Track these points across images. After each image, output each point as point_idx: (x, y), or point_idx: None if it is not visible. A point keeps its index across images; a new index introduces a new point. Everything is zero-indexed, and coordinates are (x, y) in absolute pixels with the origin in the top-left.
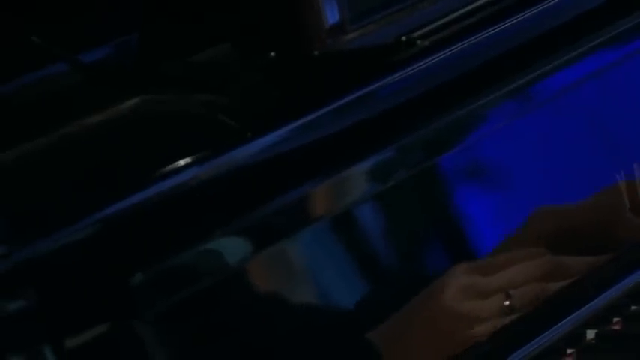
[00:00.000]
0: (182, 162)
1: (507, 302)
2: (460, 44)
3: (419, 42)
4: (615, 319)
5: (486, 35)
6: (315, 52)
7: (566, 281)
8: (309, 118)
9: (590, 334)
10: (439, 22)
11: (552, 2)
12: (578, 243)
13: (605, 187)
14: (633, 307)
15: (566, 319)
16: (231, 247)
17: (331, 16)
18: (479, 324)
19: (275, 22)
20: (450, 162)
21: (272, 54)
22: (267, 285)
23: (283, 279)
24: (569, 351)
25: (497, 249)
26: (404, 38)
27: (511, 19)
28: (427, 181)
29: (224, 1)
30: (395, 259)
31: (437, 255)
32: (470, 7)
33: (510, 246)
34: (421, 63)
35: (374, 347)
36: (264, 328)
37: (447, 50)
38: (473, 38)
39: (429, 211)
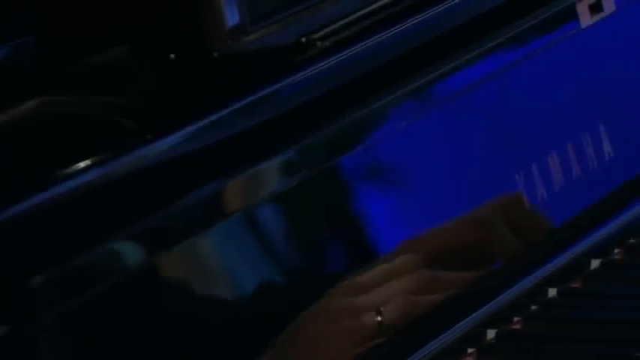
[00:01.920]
0: (82, 164)
1: (379, 319)
2: (360, 45)
3: (319, 43)
4: (516, 319)
5: (387, 36)
6: (215, 54)
7: (441, 295)
8: (210, 119)
9: (491, 333)
10: (340, 23)
11: (452, 3)
12: (452, 257)
13: (505, 190)
14: (533, 307)
15: (466, 319)
16: (131, 249)
17: (231, 17)
18: (355, 344)
19: (175, 23)
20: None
21: (172, 55)
22: (169, 286)
23: (183, 279)
24: (469, 350)
25: (371, 264)
26: (304, 39)
27: (411, 19)
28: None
29: (124, 2)
30: (284, 270)
31: (319, 270)
32: (370, 8)
33: (384, 261)
34: (321, 64)
35: None
36: (165, 329)
37: (348, 51)
38: (373, 39)
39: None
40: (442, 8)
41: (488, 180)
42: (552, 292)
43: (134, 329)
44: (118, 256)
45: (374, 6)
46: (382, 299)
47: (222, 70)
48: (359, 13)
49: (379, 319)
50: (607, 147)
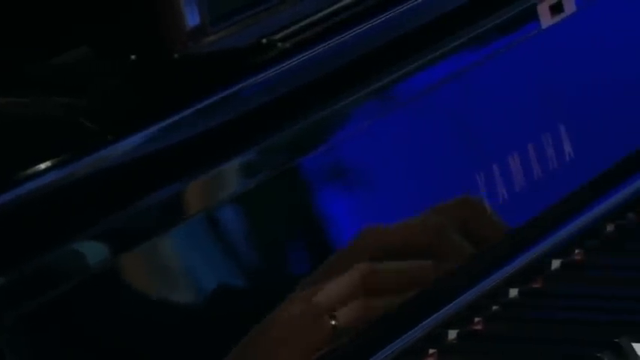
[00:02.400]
0: (42, 165)
1: (333, 322)
2: (321, 46)
3: (279, 44)
4: (477, 319)
5: (348, 36)
6: (176, 55)
7: (399, 297)
8: (171, 120)
9: (452, 334)
10: (300, 24)
11: (413, 3)
12: (412, 259)
13: (466, 190)
14: (494, 308)
15: (428, 320)
16: (92, 250)
17: (191, 18)
18: (310, 348)
19: (135, 24)
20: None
21: (133, 56)
22: (130, 287)
23: (145, 281)
24: (431, 351)
25: (329, 267)
26: (264, 40)
27: (372, 20)
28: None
29: (85, 3)
30: (243, 272)
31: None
32: (331, 9)
33: (341, 263)
34: (282, 65)
35: None
36: (127, 330)
37: (308, 52)
38: (334, 40)
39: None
40: (402, 9)
41: (450, 180)
42: (513, 292)
43: (96, 330)
44: (80, 258)
45: (335, 7)
46: (337, 303)
47: (183, 71)
48: (320, 14)
49: (333, 322)
50: (567, 147)
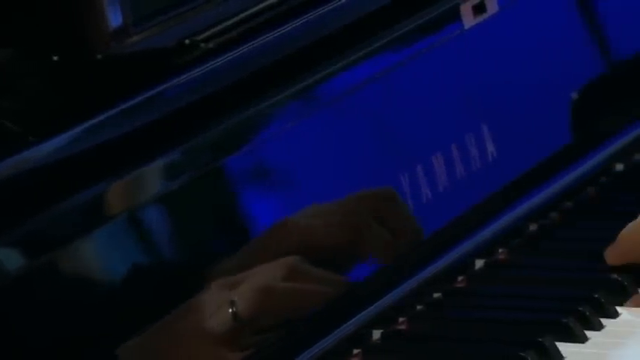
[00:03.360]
0: None
1: (231, 310)
2: (244, 46)
3: (202, 44)
4: (401, 319)
5: (271, 37)
6: (99, 55)
7: (322, 296)
8: (93, 121)
9: (376, 334)
10: (223, 25)
11: (335, 4)
12: (335, 258)
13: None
14: (418, 307)
15: (352, 320)
16: (11, 253)
17: (114, 18)
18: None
19: (58, 24)
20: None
21: (55, 57)
22: (52, 290)
23: (64, 283)
24: (355, 351)
25: (248, 266)
26: (187, 41)
27: (295, 21)
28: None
29: (6, 3)
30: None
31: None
32: (254, 10)
33: (261, 262)
34: (205, 65)
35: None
36: (43, 331)
37: (231, 52)
38: (257, 40)
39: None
40: (325, 10)
41: (373, 181)
42: (437, 292)
43: (15, 335)
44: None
45: (258, 7)
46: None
47: (106, 71)
48: (243, 15)
49: (231, 310)
50: (490, 147)
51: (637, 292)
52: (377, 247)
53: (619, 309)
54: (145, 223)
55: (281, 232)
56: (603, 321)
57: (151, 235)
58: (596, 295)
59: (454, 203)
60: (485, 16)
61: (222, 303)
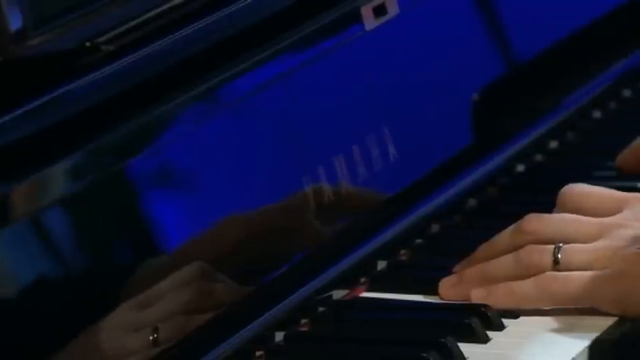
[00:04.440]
0: None
1: (154, 336)
2: (146, 48)
3: (103, 47)
4: (304, 321)
5: (173, 39)
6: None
7: (213, 311)
8: None
9: (279, 336)
10: (125, 27)
11: (237, 6)
12: (235, 264)
13: (292, 192)
14: (321, 309)
15: (255, 322)
16: None
17: (14, 21)
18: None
19: None
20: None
21: None
22: None
23: None
24: (258, 353)
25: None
26: (88, 43)
27: (198, 22)
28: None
29: None
30: (68, 279)
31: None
32: (157, 11)
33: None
34: (106, 68)
35: None
36: None
37: (133, 54)
38: (159, 42)
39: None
40: (227, 12)
41: (276, 183)
42: (339, 293)
43: None
44: None
45: (160, 9)
46: (159, 316)
47: (6, 74)
48: (146, 16)
49: (154, 337)
50: (392, 149)
51: None
52: (287, 248)
53: None
54: (48, 227)
55: (227, 223)
56: (505, 321)
57: (54, 239)
58: None
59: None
60: (386, 17)
61: (142, 326)
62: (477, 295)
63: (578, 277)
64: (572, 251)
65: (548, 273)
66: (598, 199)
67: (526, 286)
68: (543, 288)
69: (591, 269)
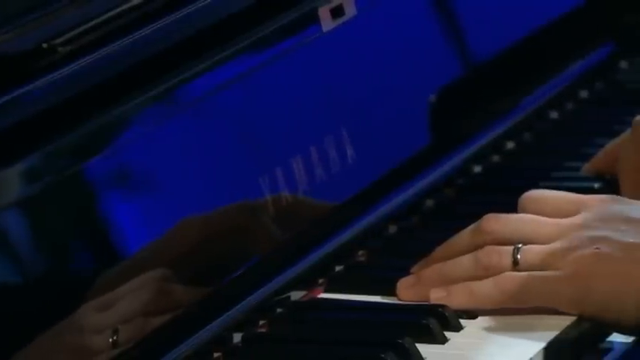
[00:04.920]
0: None
1: (113, 338)
2: (104, 49)
3: (61, 48)
4: (261, 322)
5: (131, 40)
6: None
7: (172, 313)
8: None
9: (237, 337)
10: (82, 28)
11: (196, 6)
12: (193, 267)
13: (250, 193)
14: (279, 310)
15: (212, 323)
16: None
17: None
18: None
19: None
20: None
21: None
22: None
23: None
24: (216, 355)
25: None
26: (45, 45)
27: (156, 23)
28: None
29: None
30: (26, 282)
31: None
32: (115, 12)
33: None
34: (64, 69)
35: None
36: None
37: (92, 55)
38: (117, 43)
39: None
40: (186, 12)
41: (234, 184)
42: (297, 295)
43: None
44: None
45: (117, 10)
46: (120, 318)
47: None
48: (104, 17)
49: (114, 338)
50: (350, 149)
51: None
52: (243, 249)
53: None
54: (6, 229)
55: (182, 225)
56: (463, 322)
57: (12, 241)
58: None
59: (314, 206)
60: (343, 19)
61: (101, 328)
62: (436, 296)
63: (537, 278)
64: (530, 252)
65: (507, 273)
66: (556, 202)
67: (485, 287)
68: (502, 288)
69: (550, 270)
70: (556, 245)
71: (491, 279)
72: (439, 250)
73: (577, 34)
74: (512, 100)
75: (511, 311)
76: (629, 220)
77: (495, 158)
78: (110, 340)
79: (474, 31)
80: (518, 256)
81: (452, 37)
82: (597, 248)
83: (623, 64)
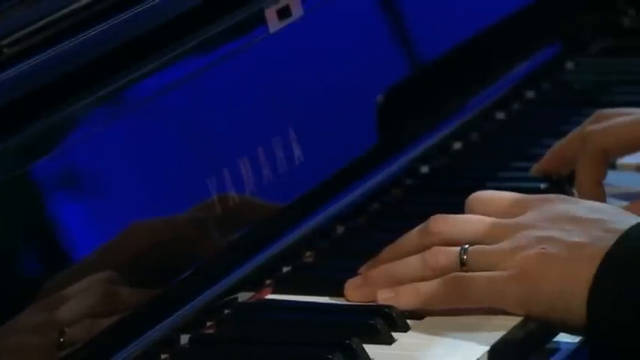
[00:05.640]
0: None
1: (60, 340)
2: (53, 49)
3: (6, 50)
4: (209, 323)
5: (77, 41)
6: None
7: (119, 314)
8: None
9: (184, 338)
10: (31, 28)
11: (145, 6)
12: (142, 267)
13: (197, 194)
14: (226, 311)
15: (160, 324)
16: None
17: None
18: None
19: None
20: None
21: None
22: None
23: None
24: (163, 356)
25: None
26: None
27: (104, 23)
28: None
29: None
30: None
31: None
32: (63, 12)
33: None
34: (11, 69)
35: None
36: None
37: (40, 55)
38: (66, 43)
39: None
40: (133, 13)
41: (182, 186)
42: (245, 296)
43: None
44: None
45: (65, 10)
46: (66, 319)
47: None
48: (51, 17)
49: (61, 340)
50: (297, 150)
51: None
52: (192, 251)
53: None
54: None
55: (131, 230)
56: (410, 322)
57: None
58: None
59: (261, 207)
60: (290, 19)
61: (47, 329)
62: (383, 296)
63: (484, 278)
64: (477, 252)
65: (453, 274)
66: (503, 202)
67: (432, 287)
68: (449, 289)
69: (496, 270)
70: (502, 245)
71: (438, 280)
72: (387, 251)
73: (523, 35)
74: (459, 100)
75: (459, 311)
76: (575, 220)
77: (442, 159)
78: (57, 341)
79: (420, 31)
80: (465, 257)
81: (399, 38)
82: (543, 248)
83: (570, 65)
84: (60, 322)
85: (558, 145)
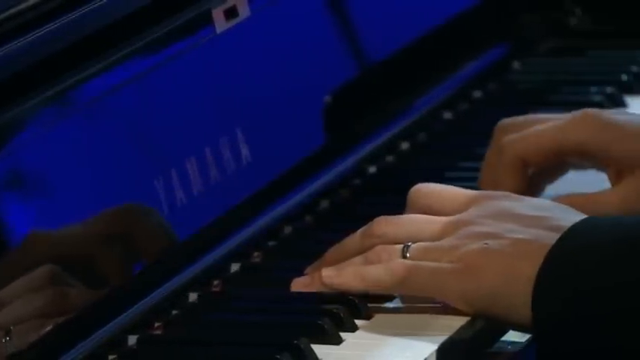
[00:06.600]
0: None
1: (6, 339)
2: None
3: None
4: (157, 324)
5: (26, 40)
6: None
7: (67, 315)
8: None
9: (132, 339)
10: None
11: (92, 6)
12: (89, 266)
13: (144, 195)
14: (174, 312)
15: (107, 326)
16: None
17: None
18: None
19: None
20: None
21: None
22: None
23: None
24: (111, 357)
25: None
26: None
27: (51, 23)
28: None
29: None
30: None
31: None
32: (9, 13)
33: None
34: None
35: None
36: None
37: None
38: (12, 43)
39: None
40: (80, 13)
41: (128, 187)
42: (193, 296)
43: None
44: None
45: (11, 11)
46: (13, 319)
47: None
48: None
49: (6, 339)
50: (245, 151)
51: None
52: (139, 250)
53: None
54: None
55: (31, 239)
56: (357, 322)
57: None
58: (350, 297)
59: (209, 207)
60: (237, 20)
61: None
62: (327, 274)
63: (426, 268)
64: (420, 249)
65: (398, 260)
66: (446, 197)
67: (376, 270)
68: (393, 273)
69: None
70: (445, 242)
71: (382, 264)
72: (331, 252)
73: (471, 35)
74: (406, 100)
75: (407, 310)
76: (518, 217)
77: (390, 159)
78: (2, 340)
79: (368, 31)
80: (407, 255)
81: (346, 38)
82: (486, 244)
83: (516, 65)
84: (5, 321)
85: (485, 166)
